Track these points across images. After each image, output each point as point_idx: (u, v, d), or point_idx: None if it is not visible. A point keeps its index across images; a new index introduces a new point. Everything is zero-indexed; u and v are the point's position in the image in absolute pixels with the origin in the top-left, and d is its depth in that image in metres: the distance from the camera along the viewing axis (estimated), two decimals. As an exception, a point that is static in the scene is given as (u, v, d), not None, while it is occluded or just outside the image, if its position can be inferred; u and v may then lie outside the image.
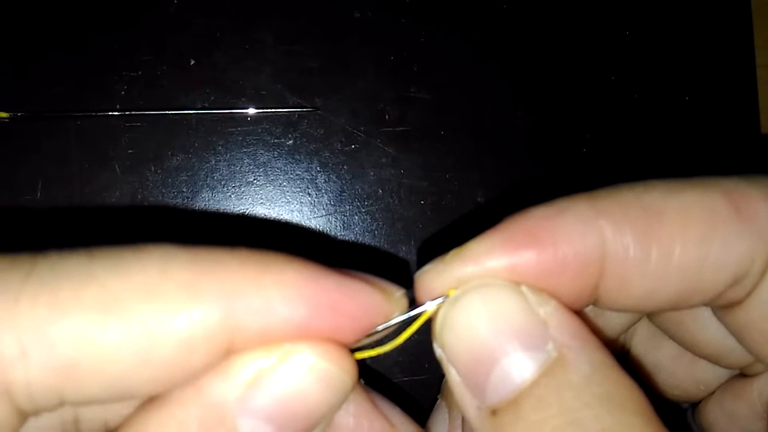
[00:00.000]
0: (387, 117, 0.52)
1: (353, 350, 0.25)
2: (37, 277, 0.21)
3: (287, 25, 0.52)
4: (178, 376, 0.22)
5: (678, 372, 0.33)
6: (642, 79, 0.54)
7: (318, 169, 0.51)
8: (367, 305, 0.23)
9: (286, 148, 0.51)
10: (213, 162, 0.50)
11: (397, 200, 0.51)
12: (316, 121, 0.51)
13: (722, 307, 0.26)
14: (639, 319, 0.33)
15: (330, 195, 0.51)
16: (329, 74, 0.52)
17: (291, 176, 0.51)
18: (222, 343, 0.22)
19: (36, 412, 0.21)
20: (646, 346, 0.34)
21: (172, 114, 0.50)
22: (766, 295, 0.25)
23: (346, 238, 0.51)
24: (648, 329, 0.34)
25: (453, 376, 0.24)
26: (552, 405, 0.21)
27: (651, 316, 0.33)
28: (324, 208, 0.51)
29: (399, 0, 0.53)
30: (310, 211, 0.51)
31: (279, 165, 0.51)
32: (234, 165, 0.50)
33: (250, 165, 0.51)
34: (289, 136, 0.51)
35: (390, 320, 0.24)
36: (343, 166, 0.51)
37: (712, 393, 0.33)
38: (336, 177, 0.51)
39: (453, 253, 0.24)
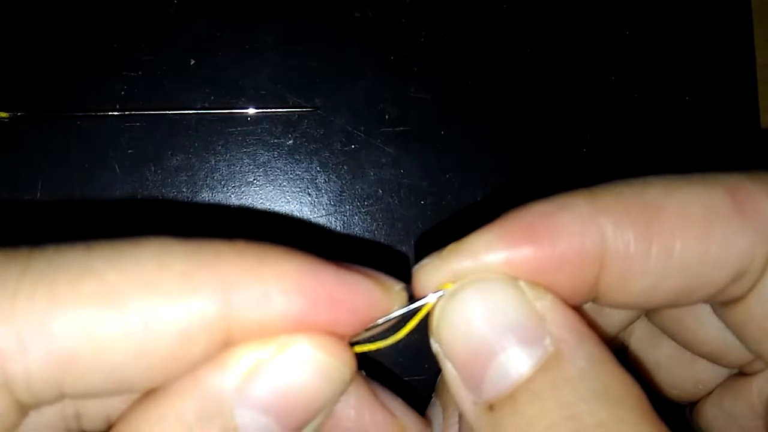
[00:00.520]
0: (387, 117, 0.52)
1: (353, 343, 0.25)
2: (35, 271, 0.21)
3: (287, 25, 0.52)
4: (176, 367, 0.22)
5: (676, 371, 0.33)
6: (642, 79, 0.54)
7: (318, 169, 0.51)
8: (366, 298, 0.23)
9: (286, 148, 0.51)
10: (213, 162, 0.50)
11: (397, 200, 0.51)
12: (316, 121, 0.51)
13: (722, 303, 0.26)
14: (638, 317, 0.33)
15: (330, 195, 0.51)
16: (329, 74, 0.52)
17: (291, 176, 0.51)
18: (220, 334, 0.22)
19: (36, 405, 0.21)
20: (645, 344, 0.34)
21: (171, 114, 0.50)
22: (767, 291, 0.24)
23: (346, 238, 0.51)
24: (646, 328, 0.33)
25: (449, 370, 0.24)
26: (549, 399, 0.21)
27: (650, 314, 0.32)
28: (324, 208, 0.51)
29: (399, 0, 0.53)
30: (310, 211, 0.51)
31: (279, 165, 0.51)
32: (234, 165, 0.50)
33: (250, 165, 0.51)
34: (289, 136, 0.51)
35: (389, 314, 0.24)
36: (343, 166, 0.51)
37: (711, 392, 0.32)
38: (336, 177, 0.51)
39: (451, 248, 0.24)
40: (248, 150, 0.51)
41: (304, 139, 0.51)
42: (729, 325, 0.27)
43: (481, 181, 0.52)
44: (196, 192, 0.50)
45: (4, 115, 0.49)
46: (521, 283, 0.23)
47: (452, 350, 0.24)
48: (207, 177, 0.50)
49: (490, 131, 0.52)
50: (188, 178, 0.50)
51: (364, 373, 0.28)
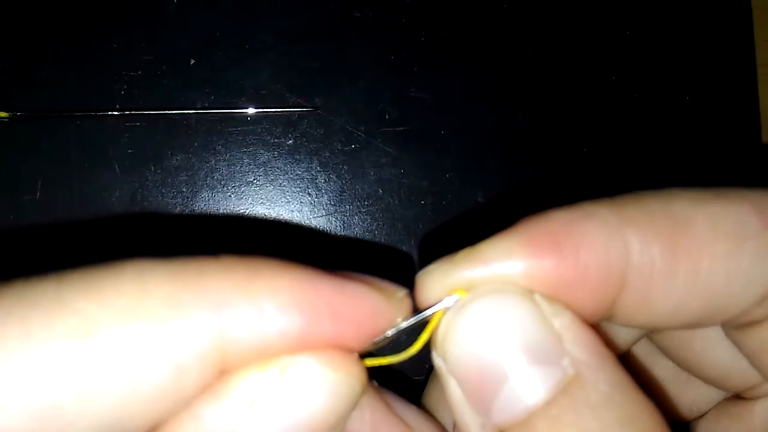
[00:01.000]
0: (387, 117, 0.52)
1: (363, 355, 0.23)
2: (4, 310, 0.19)
3: (287, 25, 0.52)
4: (170, 403, 0.20)
5: (670, 392, 0.32)
6: (642, 79, 0.54)
7: (318, 169, 0.51)
8: (370, 309, 0.22)
9: (286, 148, 0.51)
10: (213, 162, 0.50)
11: (397, 200, 0.51)
12: (316, 121, 0.51)
13: (740, 326, 0.25)
14: (644, 335, 0.31)
15: (330, 195, 0.51)
16: (329, 74, 0.52)
17: (291, 176, 0.51)
18: (214, 361, 0.20)
19: None
20: (642, 364, 0.32)
21: (171, 114, 0.50)
22: None
23: (346, 238, 0.51)
24: (644, 346, 0.32)
25: (453, 390, 0.22)
26: (569, 426, 0.20)
27: (651, 332, 0.31)
28: (324, 208, 0.51)
29: (399, 0, 0.53)
30: (310, 211, 0.51)
31: (279, 165, 0.51)
32: (234, 165, 0.50)
33: (250, 165, 0.51)
34: (289, 136, 0.51)
35: (397, 324, 0.22)
36: (343, 166, 0.51)
37: (703, 415, 0.31)
38: (336, 177, 0.51)
39: (464, 253, 0.22)
40: (248, 150, 0.51)
41: (304, 139, 0.51)
42: (743, 348, 0.26)
43: (481, 181, 0.52)
44: (196, 192, 0.50)
45: (3, 115, 0.49)
46: (537, 297, 0.22)
47: (459, 369, 0.22)
48: (207, 177, 0.50)
49: (490, 131, 0.52)
50: (188, 177, 0.50)
51: (375, 383, 0.26)
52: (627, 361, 0.32)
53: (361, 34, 0.52)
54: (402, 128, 0.52)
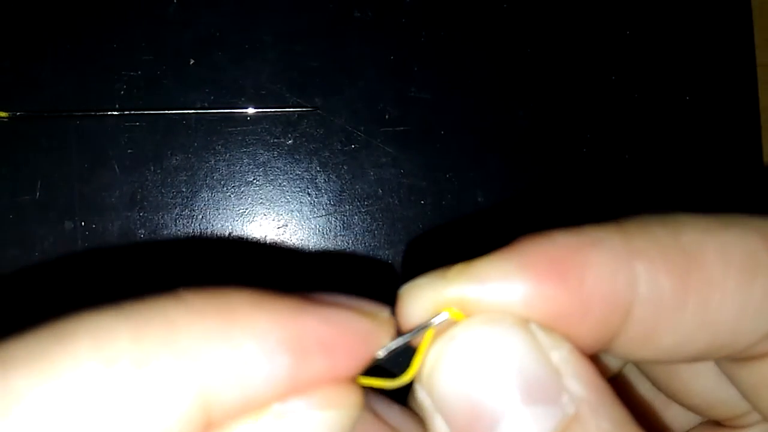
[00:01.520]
0: (387, 117, 0.52)
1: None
2: None
3: (287, 25, 0.52)
4: None
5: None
6: (642, 79, 0.54)
7: (318, 169, 0.51)
8: (358, 336, 0.19)
9: (286, 148, 0.51)
10: (212, 162, 0.50)
11: (397, 200, 0.51)
12: (316, 121, 0.51)
13: (739, 360, 0.23)
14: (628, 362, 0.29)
15: (330, 195, 0.51)
16: (329, 74, 0.52)
17: (291, 176, 0.51)
18: (197, 422, 0.17)
19: None
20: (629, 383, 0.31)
21: (171, 114, 0.50)
22: None
23: (346, 238, 0.51)
24: (627, 369, 0.30)
25: (439, 428, 0.20)
26: None
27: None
28: (324, 208, 0.51)
29: (399, 0, 0.53)
30: (310, 211, 0.51)
31: (279, 165, 0.51)
32: (234, 165, 0.50)
33: (250, 165, 0.51)
34: (289, 136, 0.51)
35: (387, 345, 0.20)
36: (343, 166, 0.51)
37: None
38: (336, 177, 0.51)
39: (457, 269, 0.20)
40: (248, 150, 0.51)
41: (304, 139, 0.51)
42: (739, 383, 0.24)
43: (481, 181, 0.52)
44: (196, 192, 0.50)
45: (3, 115, 0.49)
46: (534, 327, 0.20)
47: (447, 407, 0.20)
48: (207, 177, 0.50)
49: (490, 131, 0.52)
50: (188, 177, 0.50)
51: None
52: (615, 382, 0.31)
53: (361, 34, 0.52)
54: (402, 128, 0.52)
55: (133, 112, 0.50)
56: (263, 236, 0.50)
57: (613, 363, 0.28)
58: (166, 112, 0.50)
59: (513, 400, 0.19)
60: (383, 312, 0.21)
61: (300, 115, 0.51)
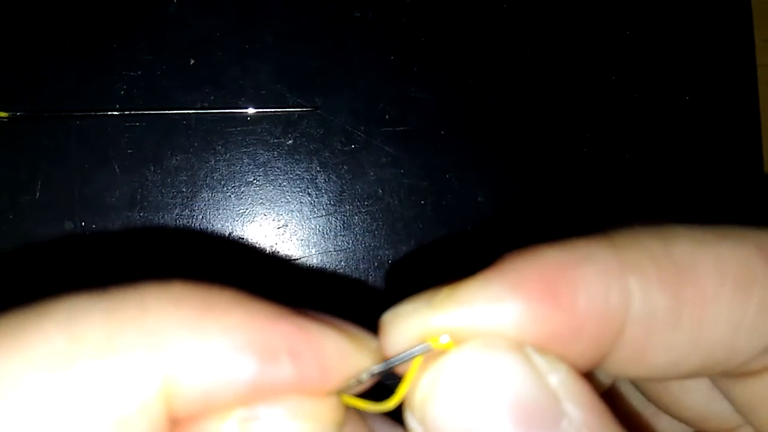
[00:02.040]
0: (387, 117, 0.52)
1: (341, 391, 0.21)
2: None
3: (287, 25, 0.52)
4: None
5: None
6: (642, 79, 0.54)
7: (318, 169, 0.51)
8: (333, 352, 0.19)
9: (286, 148, 0.51)
10: (212, 162, 0.50)
11: (397, 200, 0.51)
12: (316, 121, 0.51)
13: (734, 376, 0.23)
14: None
15: (330, 195, 0.51)
16: (329, 74, 0.52)
17: (291, 176, 0.51)
18: (162, 412, 0.17)
19: None
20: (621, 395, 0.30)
21: (171, 114, 0.50)
22: None
23: (346, 238, 0.51)
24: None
25: None
26: None
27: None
28: (324, 208, 0.51)
29: (399, 0, 0.53)
30: (310, 211, 0.51)
31: (279, 165, 0.51)
32: (234, 165, 0.50)
33: (250, 165, 0.51)
34: (289, 136, 0.51)
35: (371, 370, 0.20)
36: (343, 166, 0.51)
37: None
38: (336, 177, 0.51)
39: (443, 294, 0.20)
40: (248, 150, 0.51)
41: (304, 139, 0.51)
42: (734, 399, 0.24)
43: (481, 181, 0.52)
44: (196, 192, 0.50)
45: (3, 115, 0.49)
46: (529, 351, 0.19)
47: None
48: (207, 177, 0.50)
49: (490, 131, 0.52)
50: (188, 177, 0.50)
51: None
52: (606, 394, 0.31)
53: (361, 34, 0.52)
54: (402, 128, 0.52)
55: (133, 112, 0.50)
56: (263, 236, 0.50)
57: (604, 377, 0.28)
58: (166, 112, 0.50)
59: (511, 429, 0.18)
60: (367, 336, 0.20)
61: (300, 115, 0.51)
